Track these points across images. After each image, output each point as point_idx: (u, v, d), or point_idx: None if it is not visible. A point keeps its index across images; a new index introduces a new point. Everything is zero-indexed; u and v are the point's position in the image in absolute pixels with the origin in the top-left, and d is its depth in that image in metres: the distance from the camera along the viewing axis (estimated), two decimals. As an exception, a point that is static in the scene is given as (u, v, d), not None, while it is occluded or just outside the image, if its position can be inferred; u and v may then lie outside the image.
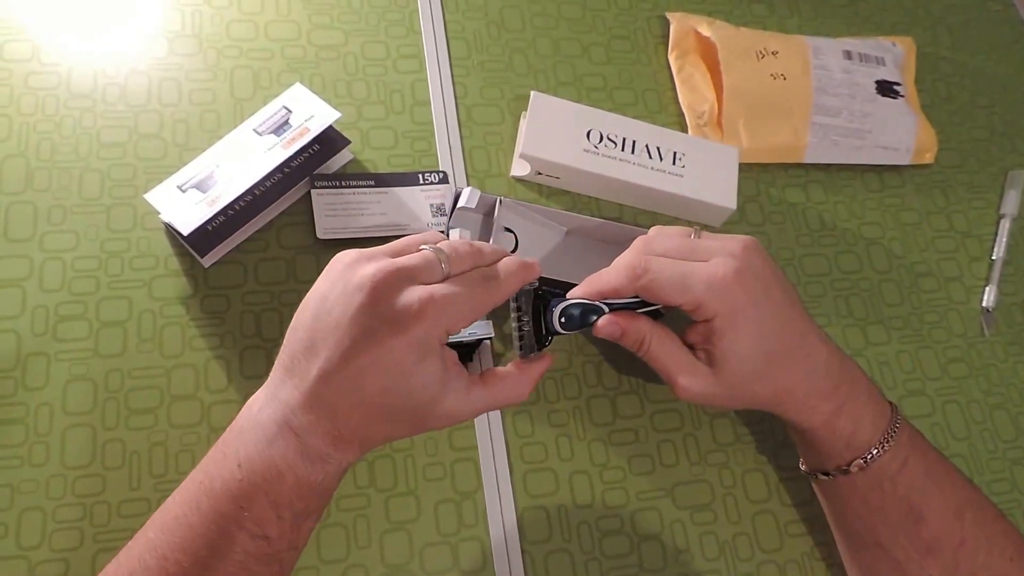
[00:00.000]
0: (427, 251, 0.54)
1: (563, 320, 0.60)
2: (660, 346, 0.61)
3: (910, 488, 0.61)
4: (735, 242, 0.60)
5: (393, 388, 0.50)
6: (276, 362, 0.53)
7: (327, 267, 0.54)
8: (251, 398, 0.54)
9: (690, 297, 0.58)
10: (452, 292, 0.51)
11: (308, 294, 0.53)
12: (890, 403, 0.64)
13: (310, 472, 0.50)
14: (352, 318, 0.50)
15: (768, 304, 0.59)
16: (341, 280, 0.51)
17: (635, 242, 0.62)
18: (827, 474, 0.64)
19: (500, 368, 0.57)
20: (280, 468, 0.50)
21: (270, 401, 0.52)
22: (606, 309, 0.61)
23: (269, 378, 0.53)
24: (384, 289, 0.50)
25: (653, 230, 0.64)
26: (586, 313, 0.61)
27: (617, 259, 0.61)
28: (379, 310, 0.49)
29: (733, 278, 0.58)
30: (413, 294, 0.50)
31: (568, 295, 0.61)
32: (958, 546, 0.60)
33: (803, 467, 0.67)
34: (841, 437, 0.61)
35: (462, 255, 0.55)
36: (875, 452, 0.60)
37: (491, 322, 0.66)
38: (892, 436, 0.61)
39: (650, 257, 0.60)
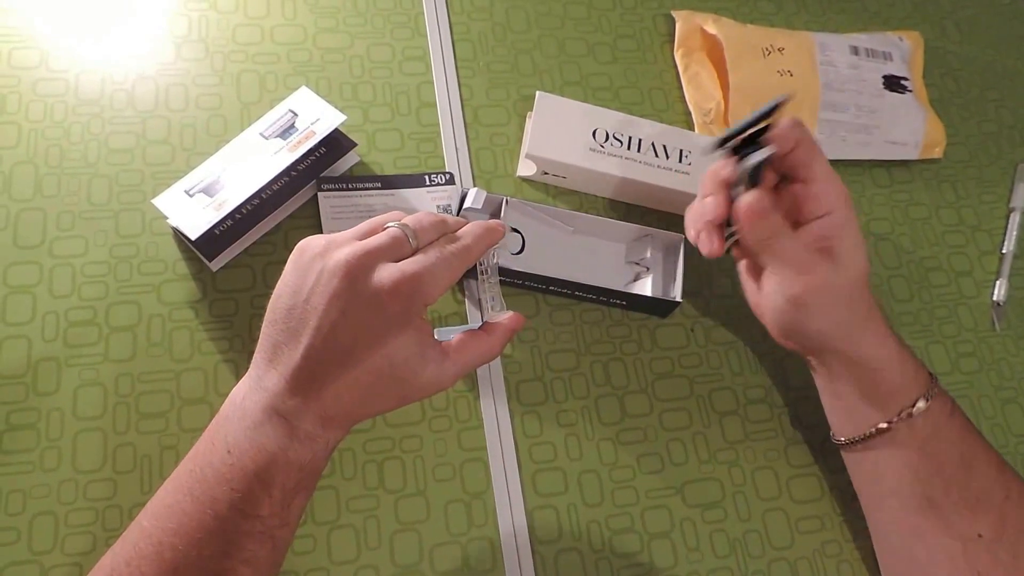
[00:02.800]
0: (393, 228, 0.55)
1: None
2: (786, 240, 0.61)
3: (961, 435, 0.62)
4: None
5: (377, 366, 0.52)
6: (255, 355, 0.55)
7: (293, 256, 0.55)
8: (233, 390, 0.55)
9: (830, 175, 0.61)
10: (423, 264, 0.53)
11: (279, 285, 0.54)
12: None
13: (300, 452, 0.52)
14: (330, 303, 0.51)
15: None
16: (313, 268, 0.53)
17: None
18: (889, 424, 0.63)
19: (469, 332, 0.58)
20: (270, 450, 0.51)
21: (254, 390, 0.53)
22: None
23: (249, 370, 0.55)
24: (358, 271, 0.51)
25: None
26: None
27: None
28: (356, 292, 0.51)
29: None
30: (386, 272, 0.52)
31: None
32: (1004, 500, 0.61)
33: (854, 433, 0.65)
34: (908, 370, 0.62)
35: (427, 227, 0.57)
36: (934, 390, 0.62)
37: (479, 324, 0.66)
38: (936, 383, 0.63)
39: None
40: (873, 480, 0.66)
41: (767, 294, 0.62)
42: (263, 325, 0.54)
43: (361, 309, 0.51)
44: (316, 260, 0.53)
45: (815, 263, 0.60)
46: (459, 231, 0.59)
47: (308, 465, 0.53)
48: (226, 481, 0.51)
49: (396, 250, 0.54)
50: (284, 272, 0.54)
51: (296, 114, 0.71)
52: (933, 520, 0.62)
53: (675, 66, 0.88)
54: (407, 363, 0.53)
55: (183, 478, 0.53)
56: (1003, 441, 0.77)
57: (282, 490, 0.52)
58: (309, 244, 0.54)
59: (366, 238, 0.55)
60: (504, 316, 0.61)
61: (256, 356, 0.55)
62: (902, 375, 0.63)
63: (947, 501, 0.61)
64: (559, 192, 0.79)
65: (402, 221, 0.56)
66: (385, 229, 0.56)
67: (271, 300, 0.54)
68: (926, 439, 0.62)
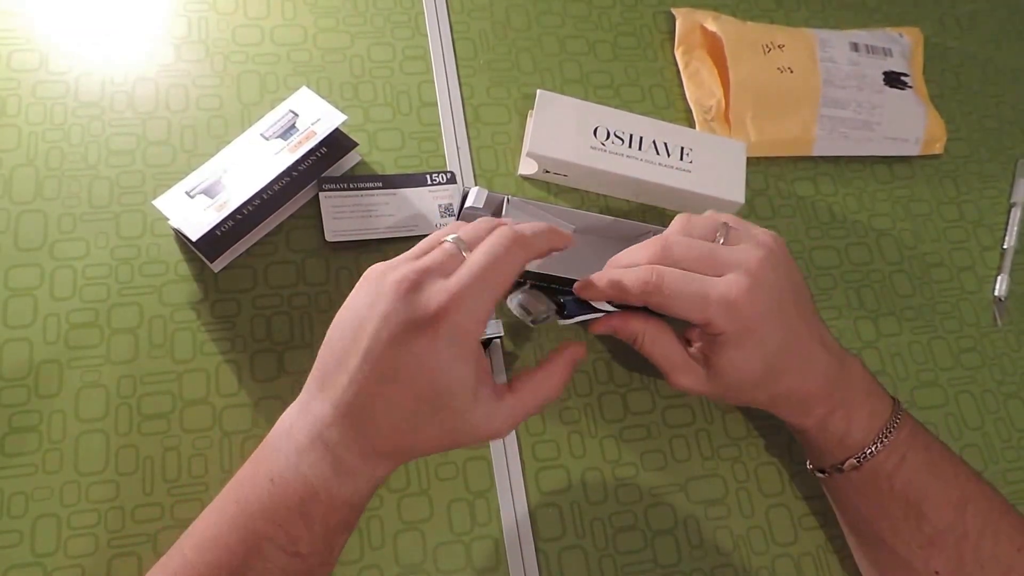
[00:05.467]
0: (447, 244, 0.54)
1: (565, 312, 0.62)
2: (654, 343, 0.62)
3: (908, 484, 0.61)
4: (754, 256, 0.58)
5: (426, 389, 0.50)
6: (309, 378, 0.53)
7: (359, 282, 0.54)
8: (283, 414, 0.54)
9: (700, 317, 0.57)
10: (470, 275, 0.51)
11: (340, 310, 0.53)
12: (893, 400, 0.63)
13: (341, 486, 0.50)
14: (380, 324, 0.50)
15: (776, 319, 0.58)
16: (368, 293, 0.52)
17: (654, 243, 0.60)
18: (824, 471, 0.64)
19: (527, 372, 0.56)
20: (312, 483, 0.50)
21: (302, 415, 0.52)
22: (610, 309, 0.61)
23: (301, 393, 0.53)
24: (409, 291, 0.50)
25: (679, 222, 0.62)
26: (585, 310, 0.62)
27: (636, 259, 0.60)
28: (407, 312, 0.49)
29: (745, 298, 0.56)
30: (436, 288, 0.50)
31: (579, 285, 0.62)
32: (960, 539, 0.60)
33: (808, 464, 0.68)
34: (834, 437, 0.62)
35: (481, 233, 0.55)
36: (869, 451, 0.61)
37: (500, 321, 0.66)
38: (888, 434, 0.61)
39: (664, 271, 0.58)
40: (834, 505, 0.68)
41: None
42: (321, 347, 0.53)
43: (410, 331, 0.49)
44: (373, 284, 0.52)
45: (693, 367, 0.62)
46: (518, 226, 0.56)
47: (351, 500, 0.51)
48: (269, 516, 0.50)
49: (450, 265, 0.52)
50: (348, 297, 0.54)
51: (297, 114, 0.71)
52: (887, 555, 0.63)
53: (676, 63, 0.87)
54: (455, 392, 0.50)
55: (226, 508, 0.51)
56: (1006, 436, 0.77)
57: (324, 526, 0.50)
58: (372, 270, 0.54)
59: (424, 256, 0.53)
60: (565, 347, 0.58)
61: (308, 381, 0.53)
62: (826, 442, 0.62)
63: (898, 540, 0.62)
64: (560, 190, 0.79)
65: (458, 234, 0.55)
66: (441, 244, 0.54)
67: (331, 325, 0.53)
68: (863, 486, 0.62)
